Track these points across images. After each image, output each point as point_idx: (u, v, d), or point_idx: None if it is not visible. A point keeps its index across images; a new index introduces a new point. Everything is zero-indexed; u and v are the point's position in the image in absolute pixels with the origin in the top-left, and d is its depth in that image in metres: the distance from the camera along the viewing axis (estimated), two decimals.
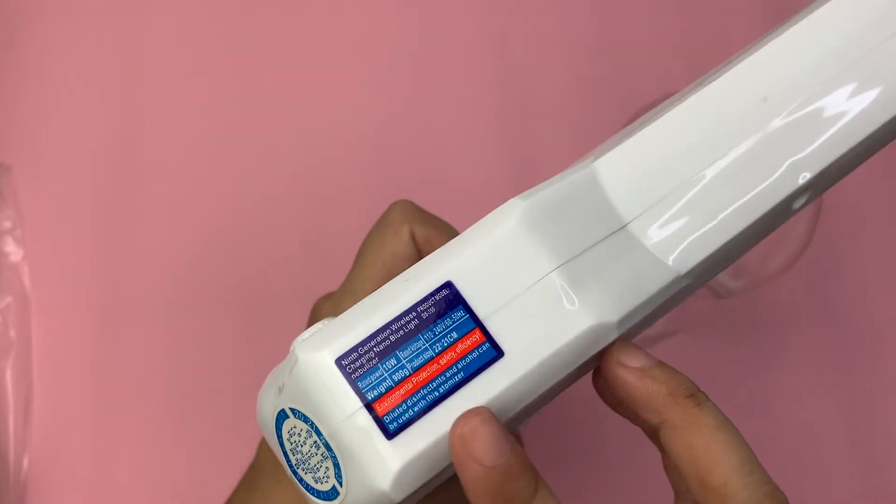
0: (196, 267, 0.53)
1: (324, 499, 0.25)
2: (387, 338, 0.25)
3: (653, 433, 0.28)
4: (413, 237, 0.35)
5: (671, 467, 0.28)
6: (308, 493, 0.26)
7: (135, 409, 0.51)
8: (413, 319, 0.25)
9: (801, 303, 0.53)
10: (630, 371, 0.26)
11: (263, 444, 0.39)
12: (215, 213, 0.54)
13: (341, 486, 0.25)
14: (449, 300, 0.25)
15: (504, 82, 0.56)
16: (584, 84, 0.56)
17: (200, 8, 0.57)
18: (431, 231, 0.36)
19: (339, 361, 0.24)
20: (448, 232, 0.36)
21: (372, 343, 0.25)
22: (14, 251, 0.52)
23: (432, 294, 0.25)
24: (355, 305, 0.26)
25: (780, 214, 0.28)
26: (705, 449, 0.25)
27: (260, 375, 0.50)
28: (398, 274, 0.35)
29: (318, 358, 0.24)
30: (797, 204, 0.28)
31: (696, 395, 0.26)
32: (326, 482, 0.25)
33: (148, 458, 0.50)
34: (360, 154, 0.55)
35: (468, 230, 0.26)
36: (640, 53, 0.57)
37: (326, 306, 0.37)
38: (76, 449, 0.50)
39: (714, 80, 0.28)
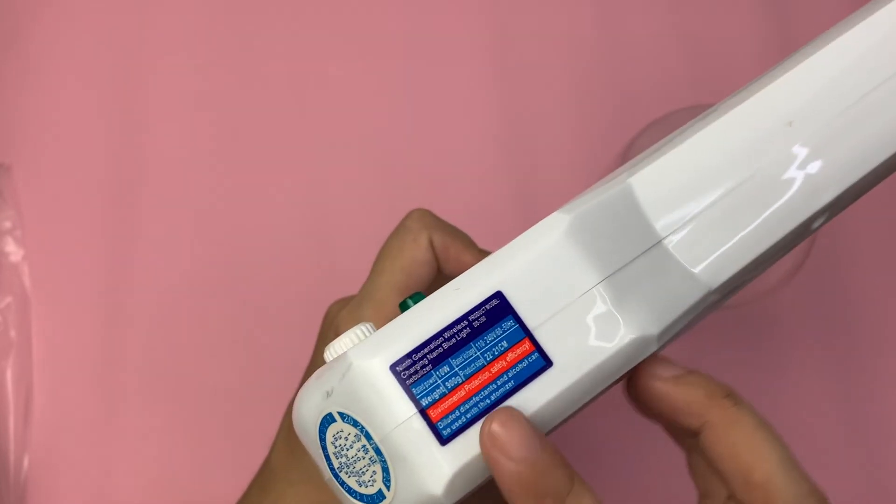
0: (197, 267, 0.53)
1: (367, 502, 0.26)
2: (439, 345, 0.25)
3: (683, 439, 0.29)
4: (431, 244, 0.36)
5: (699, 470, 0.29)
6: (350, 497, 0.26)
7: (135, 409, 0.51)
8: (465, 328, 0.26)
9: (803, 311, 0.54)
10: (666, 381, 0.27)
11: (276, 448, 0.39)
12: (217, 213, 0.54)
13: (388, 489, 0.25)
14: (499, 310, 0.26)
15: (505, 86, 0.57)
16: (585, 86, 0.57)
17: (201, 8, 0.57)
18: (449, 239, 0.36)
19: (393, 368, 0.25)
20: (464, 240, 0.37)
21: (425, 350, 0.25)
22: (14, 251, 0.52)
23: (483, 303, 0.26)
24: (405, 313, 0.26)
25: (801, 234, 0.29)
26: (747, 446, 0.26)
27: (260, 376, 0.51)
28: (416, 280, 0.36)
29: (374, 364, 0.25)
30: (816, 224, 0.30)
31: (732, 395, 0.27)
32: (372, 486, 0.26)
33: (148, 458, 0.50)
34: (361, 156, 0.55)
35: (513, 241, 0.27)
36: (640, 55, 0.57)
37: (343, 312, 0.37)
38: (76, 449, 0.50)
39: (741, 102, 0.29)
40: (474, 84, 0.57)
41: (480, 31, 0.58)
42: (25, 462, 0.50)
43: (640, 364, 0.27)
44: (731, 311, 0.52)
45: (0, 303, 0.51)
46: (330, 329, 0.38)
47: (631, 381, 0.28)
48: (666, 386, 0.27)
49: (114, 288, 0.53)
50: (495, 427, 0.24)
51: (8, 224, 0.52)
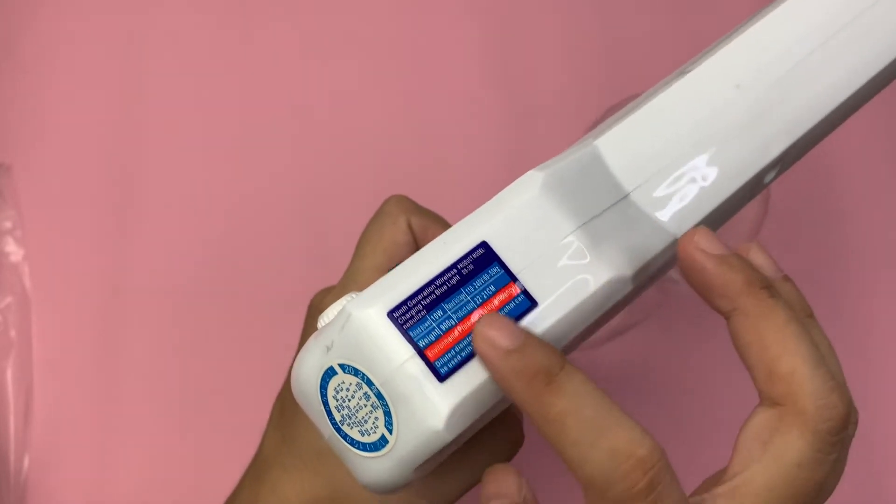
0: (196, 266, 0.54)
1: (370, 450, 0.27)
2: (432, 292, 0.27)
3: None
4: (410, 227, 0.37)
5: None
6: (353, 449, 0.27)
7: (135, 408, 0.51)
8: (455, 276, 0.27)
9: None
10: (708, 257, 0.27)
11: (267, 436, 0.39)
12: (216, 213, 0.55)
13: (391, 433, 0.26)
14: (485, 258, 0.28)
15: (502, 82, 0.58)
16: (583, 84, 0.58)
17: (201, 7, 0.58)
18: (427, 221, 0.38)
19: (390, 314, 0.26)
20: (441, 222, 0.38)
21: (419, 297, 0.27)
22: (14, 251, 0.53)
23: (470, 253, 0.28)
24: (397, 267, 0.28)
25: (753, 187, 0.32)
26: (776, 338, 0.26)
27: (261, 374, 0.51)
28: (398, 262, 0.37)
29: (372, 312, 0.26)
30: (768, 177, 0.32)
31: (771, 287, 0.27)
32: (374, 433, 0.27)
33: (148, 457, 0.51)
34: (360, 152, 0.56)
35: (493, 199, 0.29)
36: (638, 53, 0.59)
37: (329, 297, 0.38)
38: (76, 449, 0.51)
39: (693, 69, 0.32)
40: (472, 83, 0.58)
41: (480, 30, 0.59)
42: (25, 462, 0.50)
43: (686, 234, 0.27)
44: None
45: (0, 303, 0.51)
46: (316, 316, 0.38)
47: (679, 245, 0.28)
48: (709, 262, 0.27)
49: (114, 288, 0.53)
50: (482, 328, 0.25)
51: (8, 224, 0.53)
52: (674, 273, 0.51)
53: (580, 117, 0.56)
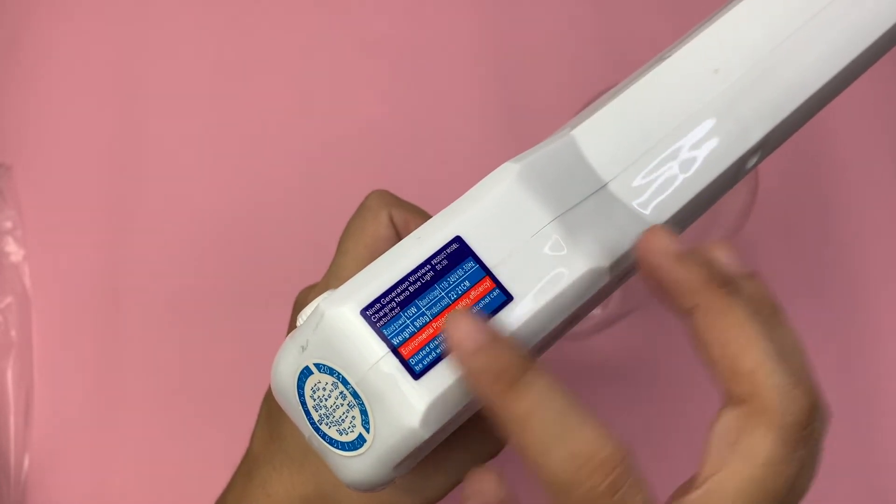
0: (196, 266, 0.54)
1: (348, 450, 0.27)
2: (406, 289, 0.27)
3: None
4: (391, 221, 0.37)
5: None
6: (332, 448, 0.27)
7: (135, 408, 0.51)
8: (428, 272, 0.27)
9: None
10: (666, 256, 0.26)
11: (256, 435, 0.39)
12: (215, 213, 0.55)
13: (368, 432, 0.26)
14: (459, 253, 0.27)
15: (501, 82, 0.58)
16: (583, 84, 0.57)
17: (201, 7, 0.59)
18: (408, 215, 0.37)
19: (363, 312, 0.26)
20: (423, 215, 0.38)
21: (393, 294, 0.26)
22: (14, 251, 0.53)
23: (444, 248, 0.27)
24: (371, 264, 0.28)
25: (735, 173, 0.31)
26: (736, 334, 0.25)
27: (260, 374, 0.51)
28: (380, 255, 0.37)
29: (345, 311, 0.26)
30: (750, 163, 0.32)
31: (730, 284, 0.26)
32: (352, 432, 0.26)
33: (148, 457, 0.51)
34: (358, 153, 0.56)
35: (467, 193, 0.29)
36: (639, 53, 0.58)
37: (312, 294, 0.38)
38: (76, 449, 0.51)
39: (671, 55, 0.31)
40: (472, 82, 0.58)
41: (479, 29, 0.59)
42: (25, 462, 0.50)
43: (643, 234, 0.27)
44: None
45: (0, 303, 0.52)
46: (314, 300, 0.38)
47: (637, 246, 0.27)
48: (666, 261, 0.26)
49: (113, 288, 0.53)
50: (449, 325, 0.25)
51: (8, 224, 0.53)
52: None
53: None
